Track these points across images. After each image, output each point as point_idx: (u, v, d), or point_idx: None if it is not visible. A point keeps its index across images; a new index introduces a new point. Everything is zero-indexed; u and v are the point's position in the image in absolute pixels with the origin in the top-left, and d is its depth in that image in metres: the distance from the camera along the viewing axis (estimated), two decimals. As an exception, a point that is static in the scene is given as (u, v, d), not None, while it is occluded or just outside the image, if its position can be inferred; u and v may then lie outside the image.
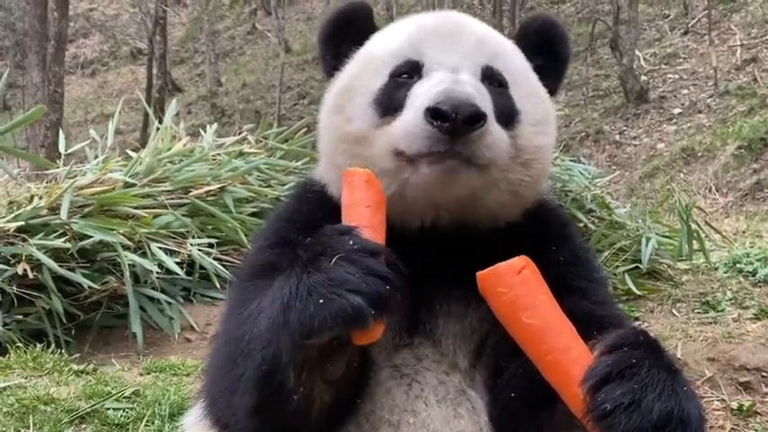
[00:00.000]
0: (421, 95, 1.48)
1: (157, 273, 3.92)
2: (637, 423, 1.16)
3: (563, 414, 1.32)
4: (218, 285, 4.16)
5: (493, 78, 1.59)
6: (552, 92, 1.75)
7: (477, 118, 1.40)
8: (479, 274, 1.36)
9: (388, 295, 1.22)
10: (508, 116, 1.56)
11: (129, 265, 3.84)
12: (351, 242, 1.27)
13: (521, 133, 1.57)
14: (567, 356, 1.28)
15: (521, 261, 1.35)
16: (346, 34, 1.75)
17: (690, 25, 19.36)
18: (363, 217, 1.38)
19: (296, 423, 1.37)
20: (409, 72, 1.58)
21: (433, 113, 1.40)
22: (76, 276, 3.75)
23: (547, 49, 1.74)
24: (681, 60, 18.37)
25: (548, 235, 1.64)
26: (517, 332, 1.34)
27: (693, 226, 4.94)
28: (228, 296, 1.71)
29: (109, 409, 2.70)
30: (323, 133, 1.70)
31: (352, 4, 1.78)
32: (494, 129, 1.48)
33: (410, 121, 1.46)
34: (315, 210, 1.67)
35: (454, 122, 1.39)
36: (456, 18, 1.71)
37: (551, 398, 1.32)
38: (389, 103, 1.54)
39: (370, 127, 1.55)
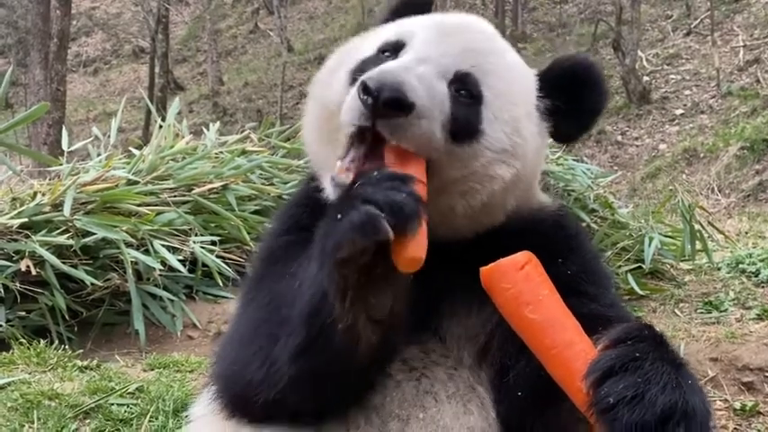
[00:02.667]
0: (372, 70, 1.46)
1: (160, 270, 3.92)
2: (640, 416, 1.15)
3: (569, 410, 1.32)
4: (220, 283, 4.17)
5: (464, 86, 1.51)
6: (566, 139, 1.70)
7: (398, 105, 1.37)
8: (483, 269, 1.36)
9: (406, 203, 1.22)
10: (465, 130, 1.48)
11: (131, 262, 3.85)
12: (376, 173, 1.30)
13: (474, 154, 1.49)
14: (570, 351, 1.28)
15: (523, 256, 1.35)
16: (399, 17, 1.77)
17: (692, 26, 19.35)
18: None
19: (339, 366, 1.36)
20: (392, 50, 1.59)
21: (363, 87, 1.38)
22: (79, 273, 3.75)
23: (571, 93, 1.61)
24: (683, 61, 18.36)
25: (554, 247, 1.58)
26: (521, 327, 1.34)
27: (696, 226, 4.94)
28: (247, 283, 1.70)
29: (113, 404, 2.71)
30: (310, 99, 1.69)
31: None
32: (428, 126, 1.42)
33: (353, 91, 1.44)
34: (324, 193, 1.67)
35: (375, 100, 1.36)
36: (467, 21, 1.68)
37: (558, 395, 1.32)
38: (360, 73, 1.49)
39: (339, 95, 1.53)
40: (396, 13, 1.79)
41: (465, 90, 1.52)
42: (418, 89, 1.40)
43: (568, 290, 1.39)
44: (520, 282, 1.33)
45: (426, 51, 1.53)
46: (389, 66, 1.46)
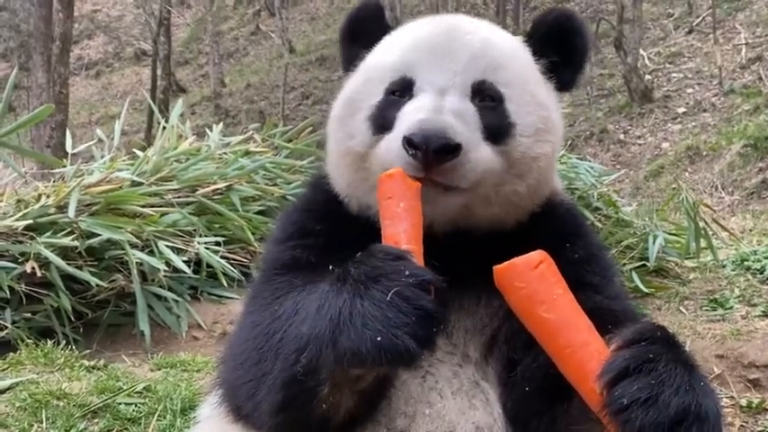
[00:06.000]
0: (404, 121, 1.51)
1: (165, 271, 3.94)
2: (654, 418, 1.15)
3: (579, 408, 1.32)
4: (225, 283, 4.18)
5: (485, 94, 1.59)
6: (568, 87, 1.74)
7: (448, 150, 1.42)
8: (496, 268, 1.35)
9: (437, 335, 1.23)
10: (500, 132, 1.56)
11: (136, 263, 3.86)
12: (406, 272, 1.24)
13: (515, 146, 1.57)
14: (584, 351, 1.27)
15: (538, 255, 1.34)
16: (357, 36, 1.79)
17: (694, 24, 19.32)
18: (406, 233, 1.38)
19: (319, 425, 1.37)
20: (401, 90, 1.61)
21: (408, 143, 1.44)
22: (84, 274, 3.76)
23: (562, 44, 1.71)
24: (685, 59, 18.34)
25: (561, 233, 1.64)
26: (534, 327, 1.33)
27: (700, 224, 4.92)
28: (253, 287, 1.70)
29: (121, 403, 2.72)
30: (331, 139, 1.73)
31: (361, 6, 1.81)
32: (475, 154, 1.48)
33: (392, 146, 1.51)
34: (331, 199, 1.71)
35: (425, 154, 1.42)
36: (453, 27, 1.68)
37: (567, 391, 1.32)
38: (382, 121, 1.58)
39: (367, 146, 1.60)
40: (353, 35, 1.81)
41: (487, 97, 1.59)
42: (457, 126, 1.47)
43: (575, 280, 1.39)
44: (534, 281, 1.32)
45: (439, 78, 1.57)
46: (423, 115, 1.48)
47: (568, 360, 1.29)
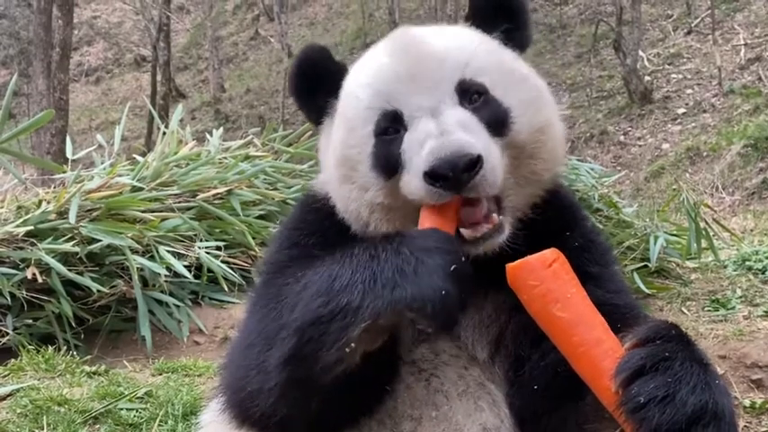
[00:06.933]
0: (416, 155, 1.46)
1: (166, 276, 3.93)
2: (671, 416, 1.15)
3: (592, 406, 1.32)
4: (226, 288, 4.17)
5: (470, 92, 1.55)
6: (525, 45, 1.72)
7: (473, 164, 1.40)
8: (509, 266, 1.35)
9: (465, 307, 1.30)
10: (500, 123, 1.54)
11: (137, 268, 3.85)
12: (437, 236, 1.34)
13: (518, 129, 1.55)
14: (598, 349, 1.27)
15: (552, 254, 1.34)
16: (315, 86, 1.72)
17: (693, 25, 19.32)
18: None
19: (323, 379, 1.36)
20: (392, 125, 1.55)
21: (432, 177, 1.40)
22: (85, 280, 3.76)
23: (503, 10, 1.69)
24: (684, 60, 18.33)
25: (561, 220, 1.64)
26: (548, 325, 1.33)
27: (702, 224, 4.92)
28: (254, 291, 1.69)
29: (122, 409, 2.71)
30: (342, 200, 1.64)
31: (306, 54, 1.74)
32: (491, 158, 1.46)
33: (415, 185, 1.46)
34: (321, 218, 1.67)
35: (455, 179, 1.40)
36: (410, 41, 1.62)
37: (578, 389, 1.31)
38: (388, 164, 1.53)
39: (385, 194, 1.55)
40: (310, 84, 1.73)
41: (474, 94, 1.56)
42: (468, 138, 1.44)
43: (576, 270, 1.39)
44: (548, 279, 1.32)
45: (424, 100, 1.52)
46: (434, 143, 1.43)
47: (582, 358, 1.29)
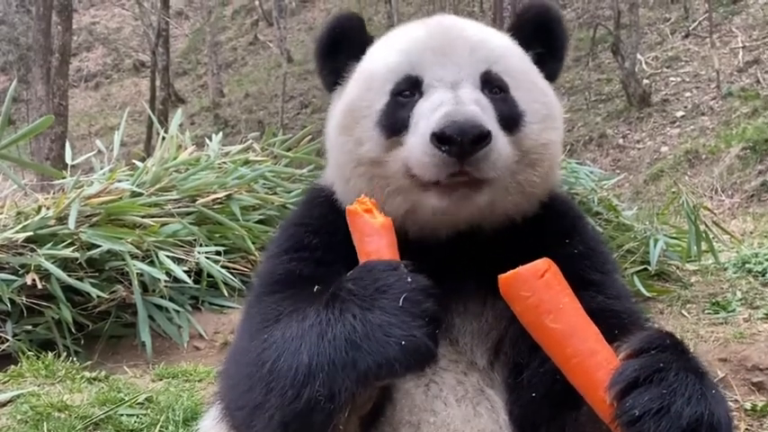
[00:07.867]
0: (425, 119, 1.48)
1: (165, 281, 3.93)
2: (666, 429, 1.14)
3: (589, 416, 1.31)
4: (226, 293, 4.17)
5: (492, 84, 1.58)
6: (553, 77, 1.74)
7: (482, 137, 1.40)
8: (501, 277, 1.33)
9: (439, 336, 1.28)
10: (512, 121, 1.56)
11: (137, 273, 3.85)
12: (408, 279, 1.28)
13: (526, 134, 1.57)
14: (592, 360, 1.25)
15: (543, 264, 1.32)
16: (341, 48, 1.74)
17: (691, 28, 19.36)
18: (388, 248, 1.39)
19: None
20: (410, 89, 1.58)
21: (440, 139, 1.40)
22: (85, 286, 3.76)
23: (544, 36, 1.73)
24: (683, 63, 18.36)
25: (561, 228, 1.64)
26: (541, 336, 1.31)
27: (701, 227, 4.92)
28: (247, 305, 1.67)
29: (123, 415, 2.70)
30: (335, 152, 1.68)
31: (343, 17, 1.77)
32: (498, 141, 1.47)
33: (418, 147, 1.46)
34: (326, 213, 1.67)
35: (461, 146, 1.39)
36: (449, 25, 1.68)
37: (575, 399, 1.30)
38: (395, 123, 1.55)
39: (380, 151, 1.56)
40: (335, 47, 1.74)
41: (495, 87, 1.58)
42: (482, 115, 1.44)
43: (576, 278, 1.38)
44: (540, 290, 1.30)
45: (447, 73, 1.55)
46: (448, 108, 1.45)
47: (577, 369, 1.27)
